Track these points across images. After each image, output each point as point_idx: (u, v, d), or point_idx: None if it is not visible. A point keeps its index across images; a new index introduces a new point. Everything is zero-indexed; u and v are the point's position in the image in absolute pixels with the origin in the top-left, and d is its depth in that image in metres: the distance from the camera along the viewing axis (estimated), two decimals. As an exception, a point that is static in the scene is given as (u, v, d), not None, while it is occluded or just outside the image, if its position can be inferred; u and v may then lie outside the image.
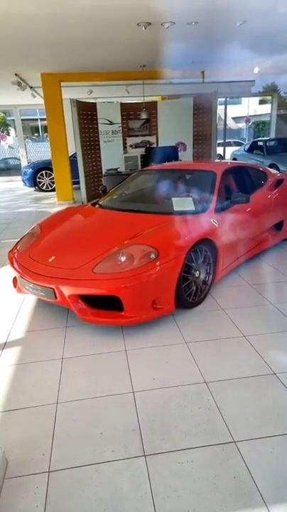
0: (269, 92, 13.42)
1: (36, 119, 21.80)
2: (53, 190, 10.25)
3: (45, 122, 10.37)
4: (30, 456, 1.78)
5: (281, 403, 2.04)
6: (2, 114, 23.51)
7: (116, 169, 8.23)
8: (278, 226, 4.53)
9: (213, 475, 1.63)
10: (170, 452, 1.76)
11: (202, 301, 3.23)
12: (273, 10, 4.86)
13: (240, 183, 4.17)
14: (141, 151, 8.70)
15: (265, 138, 13.56)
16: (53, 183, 10.14)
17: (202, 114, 8.85)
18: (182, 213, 3.32)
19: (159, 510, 1.49)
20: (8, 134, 23.18)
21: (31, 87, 9.30)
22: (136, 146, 8.99)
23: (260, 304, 3.22)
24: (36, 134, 23.84)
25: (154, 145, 9.01)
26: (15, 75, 8.12)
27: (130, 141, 8.98)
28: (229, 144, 17.62)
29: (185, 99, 9.12)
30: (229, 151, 15.14)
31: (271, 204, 4.25)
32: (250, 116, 23.06)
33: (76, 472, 1.68)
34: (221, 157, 14.83)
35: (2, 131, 23.27)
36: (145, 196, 4.35)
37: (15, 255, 3.30)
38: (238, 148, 13.95)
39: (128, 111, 8.82)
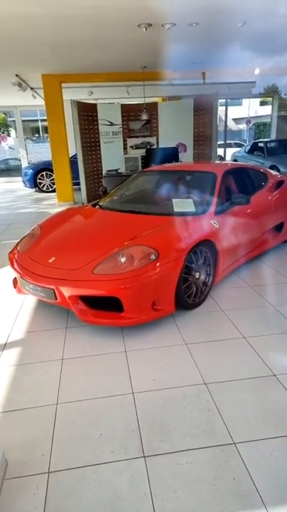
0: (270, 93, 13.43)
1: (37, 120, 21.82)
2: (54, 191, 10.25)
3: (45, 123, 10.39)
4: (30, 456, 1.78)
5: (281, 405, 2.04)
6: (3, 115, 23.54)
7: (116, 170, 8.23)
8: (279, 228, 4.53)
9: (213, 476, 1.63)
10: (169, 453, 1.76)
11: (202, 303, 3.23)
12: (273, 11, 4.87)
13: (240, 184, 4.18)
14: (142, 152, 8.70)
15: (265, 139, 13.56)
16: (54, 183, 10.15)
17: (203, 115, 8.86)
18: (182, 214, 3.32)
19: (158, 512, 1.49)
20: (9, 135, 23.22)
21: (32, 88, 9.32)
22: (137, 147, 9.00)
23: (260, 306, 3.22)
24: (37, 135, 23.87)
25: (154, 146, 9.02)
26: (16, 75, 8.13)
27: (130, 142, 8.99)
28: (230, 145, 17.64)
29: (186, 101, 9.14)
30: (230, 152, 15.16)
31: (271, 205, 4.25)
32: (251, 117, 23.10)
33: (76, 473, 1.68)
34: (222, 158, 14.83)
35: (3, 132, 23.29)
36: (146, 197, 4.35)
37: (16, 256, 3.30)
38: (238, 149, 13.96)
39: (129, 112, 8.84)
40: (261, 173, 4.59)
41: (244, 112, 25.92)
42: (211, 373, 2.32)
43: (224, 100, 13.70)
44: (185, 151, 9.07)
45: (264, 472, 1.64)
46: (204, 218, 3.32)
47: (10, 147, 20.81)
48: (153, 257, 2.74)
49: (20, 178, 13.15)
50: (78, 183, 8.69)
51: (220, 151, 13.89)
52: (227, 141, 16.68)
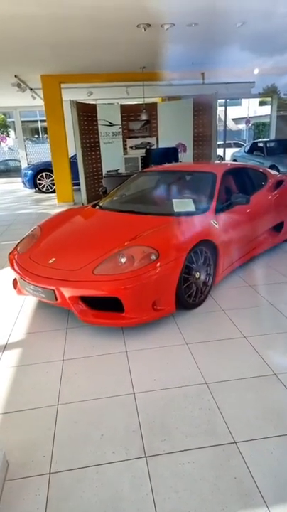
0: (269, 93, 13.44)
1: (36, 121, 21.86)
2: (53, 191, 10.26)
3: (45, 124, 10.37)
4: (31, 458, 1.78)
5: (282, 404, 2.04)
6: (2, 116, 23.55)
7: (116, 170, 8.24)
8: (279, 227, 4.53)
9: (214, 476, 1.63)
10: (170, 453, 1.76)
11: (203, 302, 3.23)
12: (272, 11, 4.87)
13: (240, 184, 4.18)
14: (141, 152, 8.71)
15: (265, 139, 13.56)
16: (53, 184, 10.15)
17: (202, 115, 8.87)
18: (182, 214, 3.32)
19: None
20: (8, 136, 23.24)
21: (31, 89, 9.32)
22: (136, 147, 9.00)
23: (260, 305, 3.22)
24: (36, 136, 23.90)
25: (154, 146, 9.02)
26: (15, 76, 8.13)
27: (130, 142, 8.99)
28: (229, 145, 17.66)
29: (185, 101, 9.15)
30: (229, 152, 15.17)
31: (271, 205, 4.25)
32: (250, 117, 23.12)
33: (77, 474, 1.68)
34: (222, 158, 14.84)
35: (2, 133, 23.31)
36: (146, 197, 4.35)
37: (16, 257, 3.30)
38: (238, 149, 13.97)
39: (128, 112, 8.84)
40: (260, 172, 4.59)
41: (244, 112, 25.95)
42: (211, 373, 2.32)
43: (223, 100, 13.71)
44: (184, 152, 9.08)
45: (265, 471, 1.64)
46: (204, 218, 3.32)
47: (9, 148, 20.85)
48: (153, 257, 2.74)
49: (19, 179, 13.17)
50: (78, 184, 8.69)
51: (220, 151, 13.89)
52: (227, 141, 16.70)
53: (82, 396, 2.18)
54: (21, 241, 3.59)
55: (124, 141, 8.96)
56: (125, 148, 9.00)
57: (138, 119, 8.82)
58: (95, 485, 1.62)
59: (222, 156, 15.03)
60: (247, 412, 1.99)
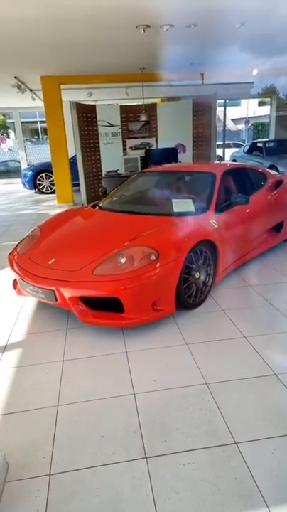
0: (268, 93, 13.45)
1: (36, 122, 21.88)
2: (53, 192, 10.26)
3: (44, 125, 10.39)
4: (31, 459, 1.77)
5: (282, 404, 2.03)
6: (2, 117, 23.57)
7: (116, 171, 8.24)
8: (278, 227, 4.53)
9: (214, 476, 1.63)
10: (171, 454, 1.75)
11: (203, 303, 3.23)
12: (271, 12, 4.88)
13: (240, 184, 4.18)
14: (141, 152, 8.72)
15: (264, 139, 13.57)
16: (53, 185, 10.16)
17: (202, 115, 8.88)
18: (182, 215, 3.32)
19: (160, 513, 1.49)
20: (8, 137, 23.25)
21: (31, 90, 9.32)
22: (136, 147, 9.00)
23: (260, 305, 3.22)
24: (36, 137, 23.91)
25: (154, 147, 9.03)
26: (15, 77, 8.13)
27: (130, 143, 9.00)
28: (229, 146, 17.67)
29: (185, 101, 9.16)
30: (229, 152, 15.18)
31: (270, 205, 4.25)
32: (249, 117, 23.14)
33: (77, 475, 1.68)
34: (221, 158, 14.85)
35: (2, 134, 23.33)
36: (145, 198, 4.35)
37: (16, 257, 3.30)
38: (237, 149, 13.98)
39: (128, 113, 8.85)
40: (260, 173, 4.59)
41: (243, 112, 25.97)
42: (212, 373, 2.32)
43: (222, 101, 13.72)
44: (184, 152, 9.09)
45: (266, 472, 1.63)
46: (204, 218, 3.32)
47: (9, 149, 20.87)
48: (153, 257, 2.73)
49: (19, 180, 13.17)
50: (78, 185, 8.70)
51: (219, 152, 13.90)
52: (226, 142, 16.71)
53: (82, 397, 2.17)
54: (21, 242, 3.59)
55: (124, 142, 8.97)
56: (124, 149, 9.00)
57: (137, 120, 8.83)
58: (95, 486, 1.61)
59: (222, 156, 15.04)
60: (247, 412, 1.98)
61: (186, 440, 1.82)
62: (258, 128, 23.66)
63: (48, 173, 11.08)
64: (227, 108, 15.44)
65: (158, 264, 2.71)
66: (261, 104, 25.58)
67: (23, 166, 14.72)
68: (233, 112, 26.58)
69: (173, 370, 2.37)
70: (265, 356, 2.46)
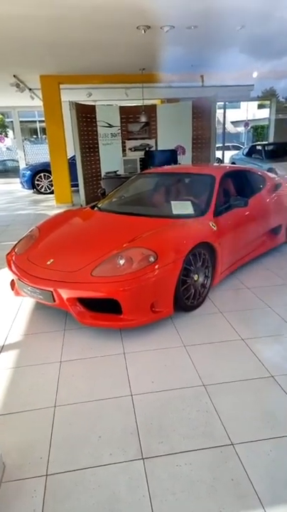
0: (268, 96, 13.52)
1: (35, 121, 21.84)
2: (52, 192, 10.24)
3: (43, 124, 10.38)
4: (28, 459, 1.78)
5: (278, 406, 2.04)
6: (0, 116, 23.52)
7: (115, 172, 8.25)
8: (277, 230, 4.54)
9: (211, 477, 1.63)
10: (168, 455, 1.76)
11: (201, 305, 3.24)
12: (272, 14, 4.90)
13: (239, 186, 4.19)
14: (140, 154, 8.73)
15: (263, 142, 13.62)
16: (52, 185, 10.15)
17: (201, 117, 8.90)
18: (181, 217, 3.33)
19: (157, 514, 1.49)
20: (7, 136, 23.20)
21: (30, 89, 9.32)
22: (135, 149, 9.01)
23: (258, 307, 3.23)
24: (35, 136, 23.87)
25: (153, 148, 9.04)
26: (14, 76, 8.12)
27: (129, 144, 9.00)
28: (228, 148, 17.70)
29: (185, 103, 9.17)
30: (228, 155, 15.20)
31: (269, 208, 4.27)
32: (249, 120, 23.20)
33: (74, 475, 1.68)
34: (220, 161, 14.89)
35: (0, 133, 23.28)
36: (144, 199, 4.36)
37: (13, 258, 3.29)
38: (237, 152, 14.01)
39: (128, 114, 8.86)
40: (259, 175, 4.61)
41: (242, 114, 26.02)
42: (209, 375, 2.32)
43: (222, 103, 13.76)
44: (183, 154, 9.10)
45: (262, 473, 1.64)
46: (203, 220, 3.33)
47: (8, 148, 20.84)
48: (151, 259, 2.74)
49: (18, 180, 13.15)
50: (76, 185, 8.69)
51: (218, 154, 13.93)
52: (226, 144, 16.74)
53: (80, 398, 2.18)
54: (19, 242, 3.59)
55: (123, 143, 8.97)
56: (124, 150, 9.01)
57: (137, 121, 8.84)
58: (92, 487, 1.62)
59: (221, 158, 15.07)
60: (244, 413, 1.99)
61: (183, 441, 1.83)
62: (258, 131, 23.72)
63: (47, 173, 11.05)
64: (227, 110, 15.48)
65: (156, 266, 2.72)
66: (260, 106, 25.65)
67: (22, 165, 14.70)
68: (233, 115, 26.63)
69: (171, 372, 2.38)
70: (262, 358, 2.47)
